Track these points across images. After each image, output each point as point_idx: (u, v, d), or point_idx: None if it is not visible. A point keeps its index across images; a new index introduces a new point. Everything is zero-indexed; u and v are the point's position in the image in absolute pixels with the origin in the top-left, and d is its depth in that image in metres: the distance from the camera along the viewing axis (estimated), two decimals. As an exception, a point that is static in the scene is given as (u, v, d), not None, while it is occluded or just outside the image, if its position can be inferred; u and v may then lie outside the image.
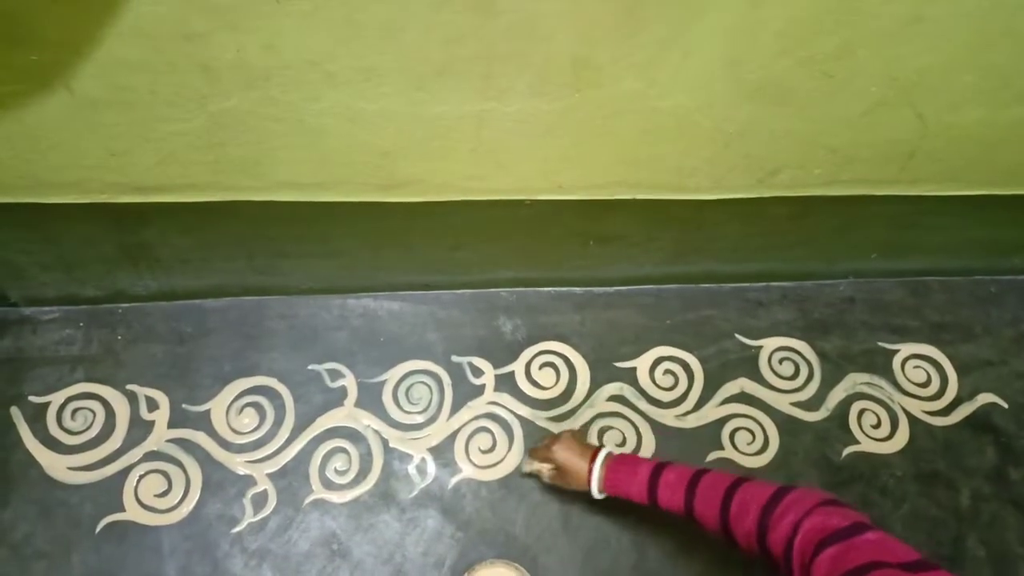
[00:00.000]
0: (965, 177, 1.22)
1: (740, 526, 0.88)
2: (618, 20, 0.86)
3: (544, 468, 1.17)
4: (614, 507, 1.23)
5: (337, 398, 1.29)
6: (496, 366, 1.35)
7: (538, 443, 1.23)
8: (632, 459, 1.07)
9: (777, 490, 0.87)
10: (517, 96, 0.95)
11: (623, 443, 1.30)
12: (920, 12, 0.89)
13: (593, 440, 1.29)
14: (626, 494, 1.05)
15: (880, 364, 1.42)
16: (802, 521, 0.81)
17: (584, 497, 1.12)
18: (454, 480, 1.24)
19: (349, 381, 1.30)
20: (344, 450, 1.25)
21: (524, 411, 1.31)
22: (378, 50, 0.87)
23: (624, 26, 0.87)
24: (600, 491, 1.08)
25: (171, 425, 1.23)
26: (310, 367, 1.30)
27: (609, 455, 1.08)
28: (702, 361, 1.39)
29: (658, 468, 1.02)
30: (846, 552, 0.76)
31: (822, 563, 0.76)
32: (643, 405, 1.33)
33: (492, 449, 1.28)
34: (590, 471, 1.08)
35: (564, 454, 1.12)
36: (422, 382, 1.32)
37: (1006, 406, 1.40)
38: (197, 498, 1.19)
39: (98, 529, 1.15)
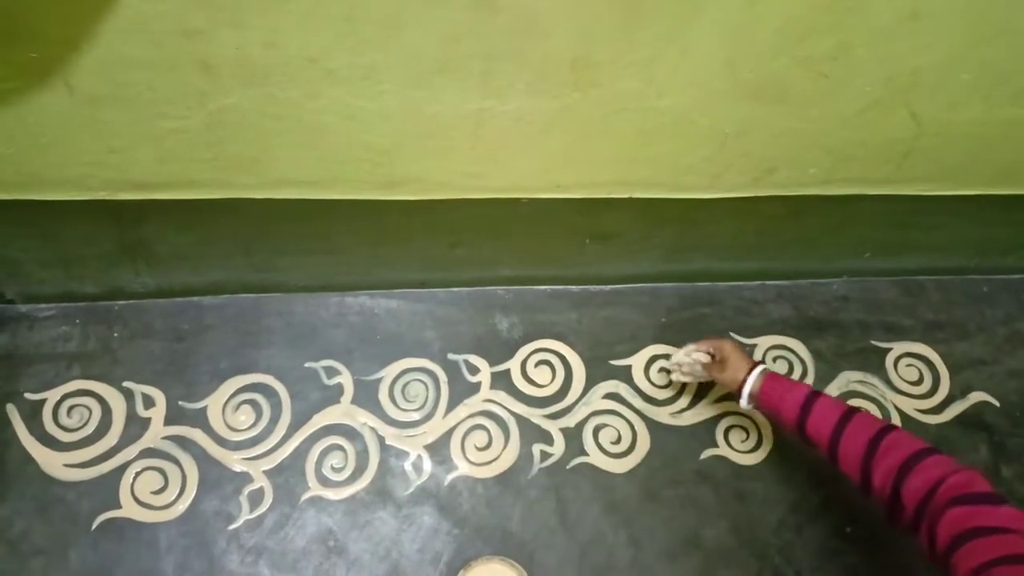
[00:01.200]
0: (960, 177, 1.23)
1: (883, 463, 0.93)
2: (617, 19, 0.87)
3: (703, 358, 1.23)
4: (611, 504, 1.24)
5: (334, 395, 1.29)
6: (492, 364, 1.35)
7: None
8: (789, 379, 1.13)
9: (930, 446, 0.92)
10: (516, 94, 0.96)
11: (618, 440, 1.30)
12: (917, 9, 0.90)
13: (588, 437, 1.30)
14: (777, 408, 1.09)
15: (873, 362, 1.43)
16: (949, 475, 0.86)
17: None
18: (450, 477, 1.25)
19: (346, 378, 1.30)
20: (340, 447, 1.25)
21: (520, 409, 1.31)
22: (377, 48, 0.87)
23: (623, 25, 0.88)
24: (750, 398, 1.14)
25: (167, 422, 1.23)
26: (307, 364, 1.31)
27: (767, 369, 1.14)
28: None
29: (815, 392, 1.07)
30: (978, 513, 0.81)
31: (952, 517, 0.82)
32: (638, 403, 1.34)
33: (488, 446, 1.28)
34: (748, 375, 1.14)
35: (733, 351, 1.18)
36: (418, 380, 1.32)
37: (998, 404, 1.41)
38: (193, 495, 1.19)
39: (95, 526, 1.15)
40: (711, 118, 1.04)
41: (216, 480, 1.20)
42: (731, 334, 1.43)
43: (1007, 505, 0.82)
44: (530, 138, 1.03)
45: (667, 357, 1.38)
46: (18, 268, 1.21)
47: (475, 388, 1.33)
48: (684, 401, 1.35)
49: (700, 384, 1.36)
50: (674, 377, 1.30)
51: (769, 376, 1.13)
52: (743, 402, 1.15)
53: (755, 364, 1.15)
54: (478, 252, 1.31)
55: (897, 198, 1.25)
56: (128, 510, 1.17)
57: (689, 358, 1.25)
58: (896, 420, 1.37)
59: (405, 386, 1.31)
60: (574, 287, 1.44)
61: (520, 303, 1.41)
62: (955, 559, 0.79)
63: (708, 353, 1.23)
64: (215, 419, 1.24)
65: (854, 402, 1.38)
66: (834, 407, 1.04)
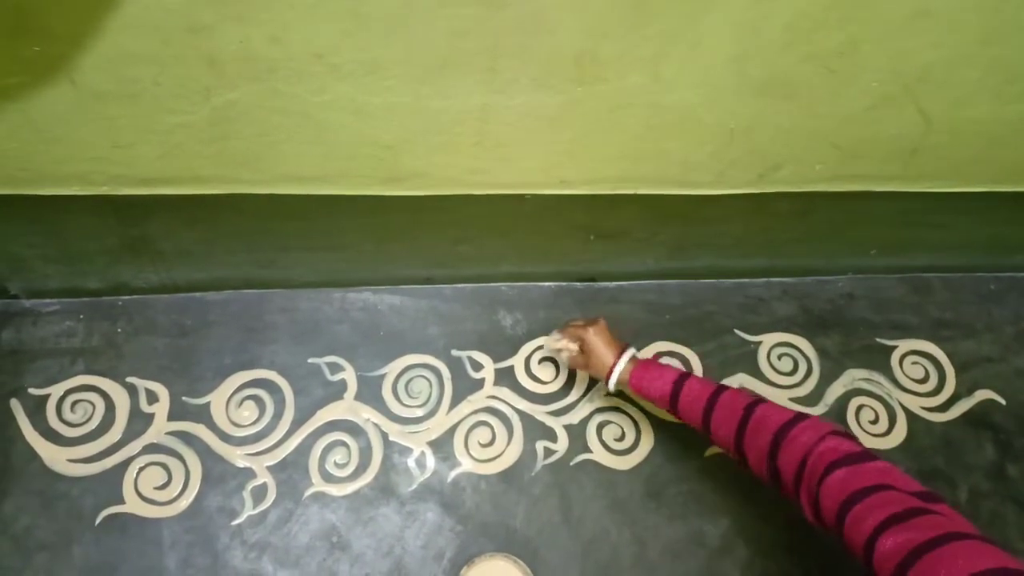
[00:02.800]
0: (968, 174, 1.22)
1: (754, 441, 0.93)
2: (624, 14, 0.86)
3: (571, 347, 1.19)
4: (614, 501, 1.24)
5: (337, 391, 1.29)
6: (496, 360, 1.35)
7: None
8: (658, 363, 1.12)
9: (795, 415, 0.92)
10: (521, 90, 0.95)
11: (622, 437, 1.30)
12: (926, 5, 0.89)
13: (592, 434, 1.29)
14: (647, 391, 1.09)
15: (879, 360, 1.43)
16: (816, 444, 0.86)
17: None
18: (454, 474, 1.25)
19: (349, 374, 1.30)
20: (344, 443, 1.25)
21: (523, 405, 1.31)
22: (383, 43, 0.87)
23: (630, 20, 0.87)
24: (617, 384, 1.13)
25: (171, 418, 1.23)
26: (310, 360, 1.30)
27: (635, 356, 1.13)
28: (702, 356, 1.39)
29: (684, 375, 1.07)
30: (855, 474, 0.80)
31: (831, 484, 0.81)
32: (643, 400, 1.33)
33: (491, 443, 1.28)
34: (615, 363, 1.12)
35: (595, 338, 1.15)
36: (422, 376, 1.32)
37: (1004, 403, 1.40)
38: (197, 491, 1.19)
39: (98, 521, 1.15)
40: (717, 114, 1.03)
41: (220, 476, 1.20)
42: (736, 331, 1.42)
43: (879, 460, 0.82)
44: (535, 134, 1.03)
45: (672, 354, 1.38)
46: (22, 263, 1.20)
47: (479, 384, 1.32)
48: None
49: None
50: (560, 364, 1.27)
51: (639, 363, 1.12)
52: (610, 388, 1.14)
53: (622, 350, 1.14)
54: (482, 248, 1.30)
55: (904, 195, 1.25)
56: (132, 505, 1.17)
57: (556, 348, 1.23)
58: (901, 418, 1.37)
59: (409, 382, 1.31)
60: (578, 284, 1.44)
61: (524, 300, 1.41)
62: (847, 531, 0.78)
63: (570, 345, 1.21)
64: (219, 415, 1.24)
65: (859, 400, 1.38)
66: (702, 389, 1.03)
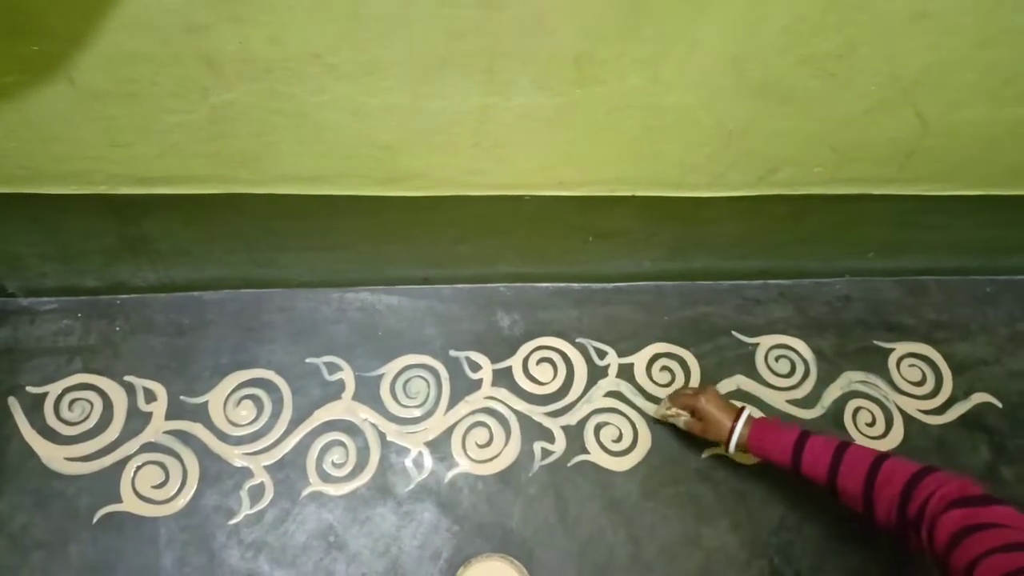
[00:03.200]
0: (964, 177, 1.22)
1: (884, 492, 0.97)
2: (622, 16, 0.87)
3: (683, 415, 1.22)
4: (611, 502, 1.24)
5: (335, 391, 1.29)
6: (494, 361, 1.35)
7: (679, 391, 1.26)
8: (777, 422, 1.15)
9: (925, 467, 0.96)
10: (520, 91, 0.95)
11: (619, 439, 1.30)
12: (924, 8, 0.90)
13: (589, 435, 1.30)
14: (768, 453, 1.11)
15: (875, 362, 1.43)
16: (942, 487, 0.90)
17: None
18: (451, 474, 1.25)
19: (347, 374, 1.30)
20: (341, 443, 1.25)
21: (521, 406, 1.31)
22: (381, 43, 0.87)
23: (628, 22, 0.87)
24: (737, 447, 1.15)
25: (168, 417, 1.23)
26: (308, 360, 1.31)
27: (751, 416, 1.16)
28: (699, 358, 1.39)
29: (804, 433, 1.09)
30: (973, 514, 0.85)
31: (949, 519, 0.86)
32: (640, 401, 1.34)
33: (489, 443, 1.28)
34: (733, 427, 1.14)
35: (709, 406, 1.18)
36: (420, 376, 1.32)
37: (1000, 405, 1.40)
38: (194, 490, 1.19)
39: (95, 520, 1.15)
40: (715, 116, 1.04)
41: (217, 475, 1.20)
42: (733, 332, 1.42)
43: (1002, 504, 0.86)
44: (533, 135, 1.03)
45: (669, 356, 1.38)
46: (20, 262, 1.20)
47: (476, 385, 1.32)
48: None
49: (702, 382, 1.37)
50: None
51: (756, 424, 1.14)
52: (731, 451, 1.16)
53: (738, 413, 1.16)
54: (480, 249, 1.30)
55: (901, 198, 1.25)
56: (129, 504, 1.17)
57: (668, 414, 1.25)
58: (898, 420, 1.37)
59: (406, 383, 1.31)
60: (576, 285, 1.44)
61: (522, 300, 1.41)
62: (953, 556, 0.82)
63: (680, 413, 1.23)
64: (216, 414, 1.24)
65: (856, 402, 1.38)
66: (825, 446, 1.06)
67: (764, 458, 1.13)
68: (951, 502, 0.87)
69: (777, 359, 1.41)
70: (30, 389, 1.23)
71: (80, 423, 1.21)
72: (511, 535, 1.21)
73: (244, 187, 1.07)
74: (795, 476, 1.09)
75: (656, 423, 1.31)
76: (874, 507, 0.98)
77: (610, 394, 1.34)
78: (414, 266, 1.34)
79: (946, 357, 1.45)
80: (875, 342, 1.45)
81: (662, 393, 1.34)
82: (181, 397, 1.25)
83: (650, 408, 1.33)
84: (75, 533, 1.14)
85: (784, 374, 1.39)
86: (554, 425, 1.30)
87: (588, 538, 1.22)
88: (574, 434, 1.30)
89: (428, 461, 1.25)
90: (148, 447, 1.21)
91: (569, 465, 1.27)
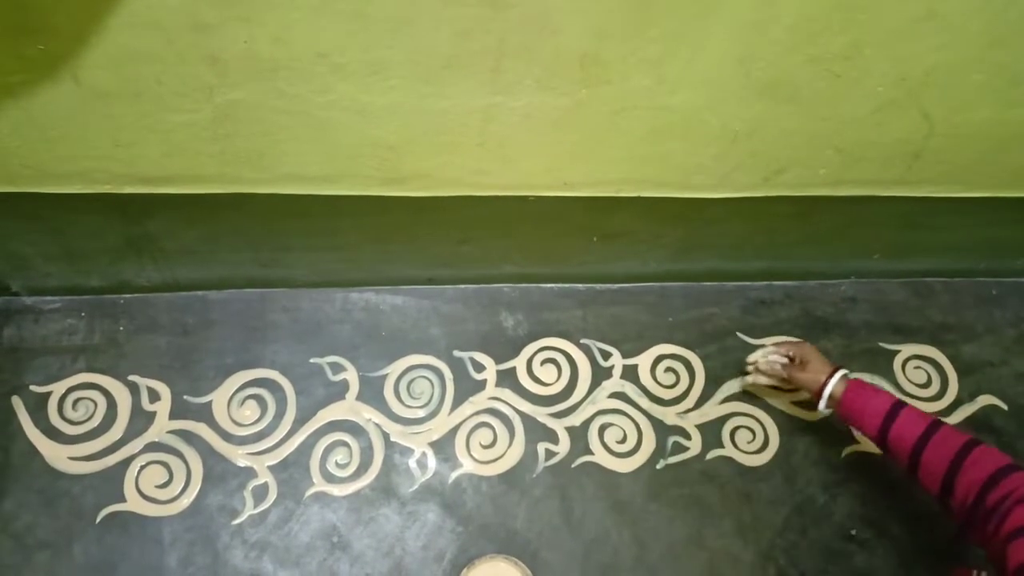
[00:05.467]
0: (971, 179, 1.22)
1: (969, 475, 0.96)
2: (628, 16, 0.86)
3: (782, 360, 1.24)
4: (615, 503, 1.23)
5: (339, 391, 1.29)
6: (498, 361, 1.35)
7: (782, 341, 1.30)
8: (873, 387, 1.14)
9: (1014, 463, 0.95)
10: (525, 91, 0.95)
11: (623, 440, 1.30)
12: (931, 9, 0.89)
13: (593, 436, 1.29)
14: (859, 415, 1.11)
15: (881, 364, 1.42)
16: None
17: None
18: (455, 475, 1.24)
19: (351, 374, 1.30)
20: (345, 443, 1.25)
21: (525, 407, 1.31)
22: (387, 43, 0.87)
23: (634, 22, 0.87)
24: (828, 404, 1.15)
25: (172, 416, 1.23)
26: (312, 360, 1.30)
27: (847, 375, 1.16)
28: (704, 359, 1.39)
29: (900, 402, 1.08)
30: None
31: (1021, 511, 0.86)
32: (644, 403, 1.33)
33: (493, 444, 1.28)
34: (827, 380, 1.15)
35: (813, 353, 1.20)
36: (424, 376, 1.32)
37: (1006, 408, 1.40)
38: (198, 489, 1.19)
39: (99, 519, 1.15)
40: (721, 117, 1.03)
41: (221, 475, 1.20)
42: (738, 334, 1.42)
43: None
44: (539, 135, 1.03)
45: (674, 357, 1.38)
46: (24, 261, 1.20)
47: (480, 386, 1.32)
48: (690, 401, 1.34)
49: (707, 384, 1.36)
50: (750, 379, 1.30)
51: (853, 382, 1.14)
52: (822, 405, 1.16)
53: (836, 368, 1.16)
54: (485, 249, 1.30)
55: (907, 200, 1.25)
56: (132, 504, 1.17)
57: (767, 359, 1.26)
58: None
59: (410, 383, 1.31)
60: (580, 285, 1.44)
61: (526, 301, 1.41)
62: (1011, 548, 0.84)
63: (787, 356, 1.24)
64: (220, 414, 1.24)
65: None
66: (920, 418, 1.05)
67: (851, 419, 1.13)
68: None
69: (782, 360, 1.40)
70: (34, 388, 1.23)
71: (84, 422, 1.21)
72: (515, 536, 1.21)
73: (249, 187, 1.07)
74: (879, 444, 1.08)
75: (660, 426, 1.31)
76: (954, 488, 0.97)
77: (614, 395, 1.34)
78: (418, 266, 1.34)
79: (952, 359, 1.44)
80: (881, 344, 1.45)
81: (666, 395, 1.34)
82: (185, 397, 1.25)
83: (655, 410, 1.33)
84: (79, 532, 1.14)
85: (867, 381, 1.38)
86: (558, 426, 1.30)
87: (592, 539, 1.21)
88: (578, 435, 1.29)
89: (432, 462, 1.25)
90: (152, 447, 1.21)
91: (573, 466, 1.27)
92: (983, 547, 0.93)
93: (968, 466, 0.97)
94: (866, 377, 1.40)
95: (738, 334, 1.42)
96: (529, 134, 1.02)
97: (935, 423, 1.04)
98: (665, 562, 1.21)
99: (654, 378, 1.36)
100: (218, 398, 1.25)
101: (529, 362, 1.35)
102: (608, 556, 1.20)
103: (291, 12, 0.82)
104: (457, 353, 1.34)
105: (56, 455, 1.18)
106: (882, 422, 1.07)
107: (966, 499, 0.95)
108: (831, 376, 1.15)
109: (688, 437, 1.31)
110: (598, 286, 1.44)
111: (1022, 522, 0.85)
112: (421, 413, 1.29)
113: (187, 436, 1.22)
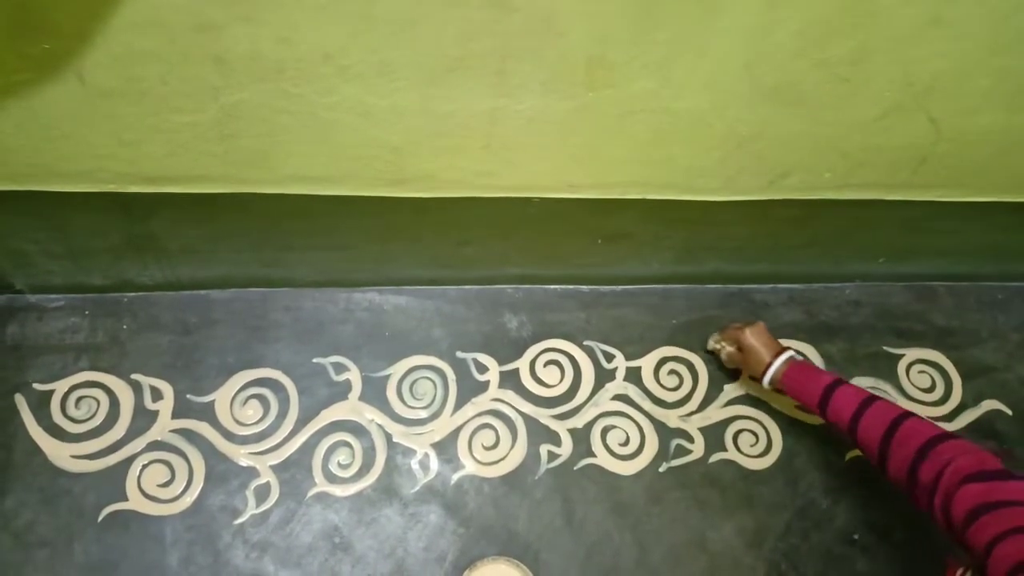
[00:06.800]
0: (976, 183, 1.21)
1: (900, 450, 0.98)
2: (634, 19, 0.86)
3: (728, 348, 1.30)
4: (617, 505, 1.23)
5: (341, 392, 1.29)
6: (501, 363, 1.34)
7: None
8: (816, 367, 1.22)
9: (945, 432, 0.96)
10: (530, 93, 0.95)
11: (626, 442, 1.30)
12: (939, 13, 0.89)
13: (596, 438, 1.29)
14: (798, 391, 1.16)
15: (885, 368, 1.42)
16: (958, 456, 0.90)
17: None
18: (457, 476, 1.24)
19: (353, 375, 1.30)
20: (347, 444, 1.25)
21: (528, 408, 1.31)
22: (392, 45, 0.87)
23: (639, 25, 0.87)
24: (771, 382, 1.20)
25: (175, 415, 1.23)
26: (315, 360, 1.30)
27: (793, 357, 1.20)
28: (707, 362, 1.39)
29: (839, 380, 1.12)
30: (991, 489, 0.84)
31: (966, 494, 0.85)
32: (647, 405, 1.33)
33: (495, 446, 1.27)
34: (771, 362, 1.20)
35: (753, 340, 1.24)
36: (426, 377, 1.32)
37: (1010, 413, 1.40)
38: (200, 489, 1.19)
39: (100, 518, 1.15)
40: (726, 120, 1.03)
41: (222, 474, 1.20)
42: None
43: (1022, 480, 0.86)
44: (543, 137, 1.02)
45: (678, 359, 1.38)
46: (27, 259, 1.20)
47: (483, 387, 1.32)
48: (694, 404, 1.34)
49: (710, 386, 1.36)
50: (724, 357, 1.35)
51: (793, 365, 1.18)
52: (766, 385, 1.20)
53: (780, 351, 1.20)
54: (488, 250, 1.30)
55: (912, 204, 1.24)
56: (134, 503, 1.17)
57: (726, 352, 1.31)
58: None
59: (413, 383, 1.31)
60: (584, 287, 1.43)
61: (529, 302, 1.41)
62: (970, 532, 0.82)
63: (727, 347, 1.30)
64: (222, 413, 1.24)
65: (864, 408, 1.37)
66: (855, 395, 1.08)
67: (795, 398, 1.17)
68: (968, 476, 0.87)
69: (785, 364, 1.40)
70: (37, 386, 1.23)
71: (86, 421, 1.21)
72: (517, 538, 1.21)
73: (252, 187, 1.06)
74: (825, 421, 1.12)
75: (663, 428, 1.31)
76: (887, 462, 0.99)
77: (617, 397, 1.34)
78: (422, 267, 1.34)
79: (956, 363, 1.44)
80: (885, 348, 1.44)
81: (669, 397, 1.34)
82: (187, 396, 1.25)
83: (658, 412, 1.32)
84: (80, 531, 1.14)
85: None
86: (561, 428, 1.30)
87: (594, 541, 1.21)
88: (581, 437, 1.29)
89: (434, 463, 1.25)
90: (154, 445, 1.21)
91: (575, 468, 1.27)
92: (942, 531, 0.91)
93: (898, 442, 0.98)
94: (869, 381, 1.40)
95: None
96: (534, 136, 1.02)
97: (868, 399, 1.06)
98: (666, 565, 1.21)
99: (657, 380, 1.36)
100: (220, 397, 1.25)
101: (532, 364, 1.35)
102: (609, 558, 1.20)
103: (296, 13, 0.81)
104: (460, 354, 1.34)
105: (58, 453, 1.18)
106: (819, 403, 1.11)
107: (899, 474, 0.97)
108: (771, 362, 1.19)
109: (691, 440, 1.31)
110: (602, 288, 1.44)
111: (969, 507, 0.84)
112: (423, 414, 1.29)
113: (189, 435, 1.22)
